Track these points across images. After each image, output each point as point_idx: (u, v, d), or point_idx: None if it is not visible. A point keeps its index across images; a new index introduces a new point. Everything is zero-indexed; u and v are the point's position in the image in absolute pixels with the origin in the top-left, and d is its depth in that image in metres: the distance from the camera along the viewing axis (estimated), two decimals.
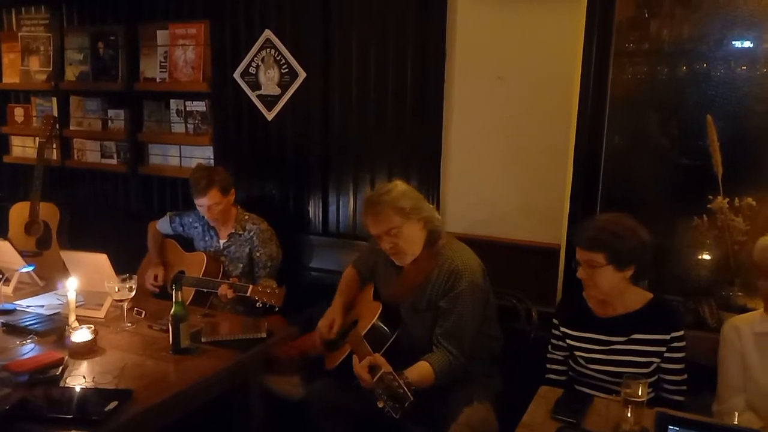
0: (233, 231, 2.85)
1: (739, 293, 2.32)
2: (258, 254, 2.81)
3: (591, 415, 1.72)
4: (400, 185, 2.22)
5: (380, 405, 1.75)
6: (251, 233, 2.82)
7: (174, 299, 2.04)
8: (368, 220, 2.17)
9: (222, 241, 2.87)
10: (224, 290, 2.57)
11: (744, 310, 2.23)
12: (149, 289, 2.87)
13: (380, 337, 2.17)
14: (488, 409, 2.10)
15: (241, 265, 2.84)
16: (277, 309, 2.42)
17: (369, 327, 2.18)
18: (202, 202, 2.74)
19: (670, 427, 1.37)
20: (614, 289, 1.94)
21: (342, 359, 2.22)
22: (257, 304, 2.41)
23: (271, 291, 2.41)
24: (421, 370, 1.99)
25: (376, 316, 2.20)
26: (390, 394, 1.74)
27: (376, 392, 1.77)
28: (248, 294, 2.44)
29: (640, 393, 1.59)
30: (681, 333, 1.94)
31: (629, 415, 1.59)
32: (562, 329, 2.07)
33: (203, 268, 2.77)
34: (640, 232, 1.92)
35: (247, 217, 2.87)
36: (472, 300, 2.12)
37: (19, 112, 4.09)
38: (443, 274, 2.14)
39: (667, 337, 1.92)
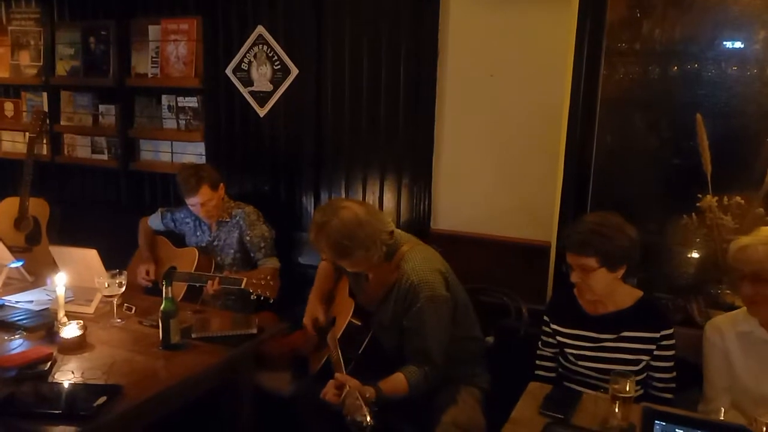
0: (220, 219, 2.86)
1: (728, 291, 2.34)
2: (248, 238, 2.82)
3: (579, 411, 1.73)
4: (345, 214, 2.00)
5: (348, 425, 1.74)
6: (237, 217, 2.84)
7: (164, 295, 2.03)
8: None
9: (213, 232, 2.88)
10: (209, 286, 2.57)
11: (732, 307, 2.24)
12: (141, 284, 2.86)
13: (357, 335, 2.18)
14: (474, 408, 2.11)
15: (232, 251, 2.85)
16: (271, 301, 2.41)
17: (345, 326, 2.17)
18: (194, 201, 2.74)
19: (656, 422, 1.38)
20: (608, 289, 1.96)
21: (323, 362, 2.22)
22: (251, 296, 2.41)
23: (266, 282, 2.39)
24: (394, 381, 1.96)
25: (351, 314, 2.19)
26: (352, 417, 1.73)
27: (343, 411, 1.76)
28: (242, 286, 2.43)
29: (627, 389, 1.60)
30: (671, 331, 1.95)
31: (617, 410, 1.61)
32: (553, 326, 2.08)
33: (195, 263, 2.77)
34: (628, 230, 1.92)
35: (232, 204, 2.90)
36: (435, 313, 2.03)
37: (9, 107, 4.05)
38: (402, 291, 2.07)
39: (657, 335, 1.94)
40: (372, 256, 2.04)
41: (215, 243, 2.87)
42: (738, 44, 2.36)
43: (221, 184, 2.82)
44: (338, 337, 2.15)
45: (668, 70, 2.50)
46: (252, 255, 2.84)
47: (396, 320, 2.11)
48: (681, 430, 1.37)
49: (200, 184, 2.71)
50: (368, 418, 1.69)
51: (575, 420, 1.68)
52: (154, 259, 2.93)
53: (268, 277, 2.43)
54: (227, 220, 2.86)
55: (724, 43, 2.37)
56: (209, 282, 2.57)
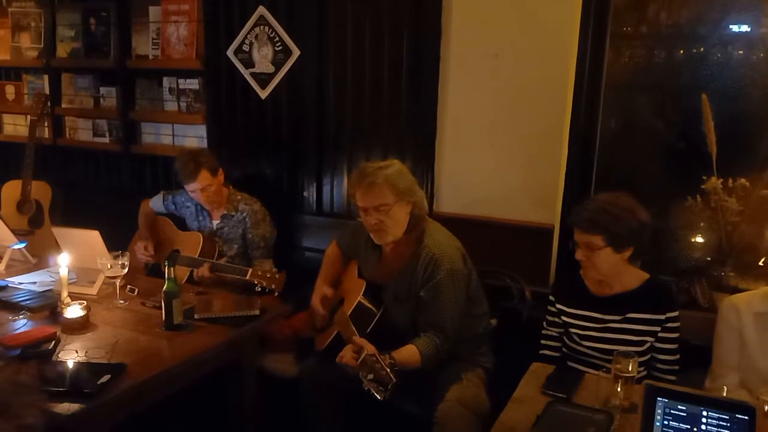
0: (225, 212, 2.83)
1: (731, 273, 2.33)
2: (251, 235, 2.80)
3: (581, 390, 1.73)
4: (398, 164, 2.21)
5: (365, 387, 1.75)
6: (244, 214, 2.81)
7: (167, 276, 2.03)
8: (359, 192, 2.13)
9: (215, 222, 2.86)
10: (201, 270, 2.56)
11: (736, 290, 2.25)
12: (141, 259, 2.85)
13: (366, 315, 2.18)
14: (478, 386, 2.12)
15: (236, 246, 2.83)
16: (276, 294, 2.41)
17: (354, 306, 2.18)
18: (193, 187, 2.72)
19: (658, 399, 1.38)
20: (612, 269, 1.95)
21: (331, 339, 2.22)
22: (256, 288, 2.40)
23: (271, 276, 2.37)
24: (407, 352, 1.99)
25: (361, 293, 2.20)
26: (373, 377, 1.73)
27: (360, 375, 1.77)
28: (247, 278, 2.42)
29: (630, 368, 1.60)
30: (676, 314, 1.95)
31: (619, 390, 1.61)
32: (558, 306, 2.08)
33: (200, 248, 2.76)
34: (639, 213, 1.90)
35: (239, 197, 2.85)
36: (453, 287, 2.09)
37: (10, 90, 4.04)
38: (422, 264, 2.11)
39: (662, 317, 1.94)
40: (417, 201, 2.17)
41: (218, 234, 2.85)
42: (744, 27, 2.34)
43: (220, 170, 2.78)
44: (348, 314, 2.16)
45: (674, 53, 2.48)
46: (249, 252, 2.82)
47: (413, 292, 2.13)
48: (683, 406, 1.37)
49: (199, 169, 2.68)
50: (392, 377, 1.69)
51: (577, 399, 1.69)
52: (152, 238, 2.92)
53: (274, 271, 2.41)
54: (233, 214, 2.82)
55: (731, 26, 2.35)
56: (202, 268, 2.56)
